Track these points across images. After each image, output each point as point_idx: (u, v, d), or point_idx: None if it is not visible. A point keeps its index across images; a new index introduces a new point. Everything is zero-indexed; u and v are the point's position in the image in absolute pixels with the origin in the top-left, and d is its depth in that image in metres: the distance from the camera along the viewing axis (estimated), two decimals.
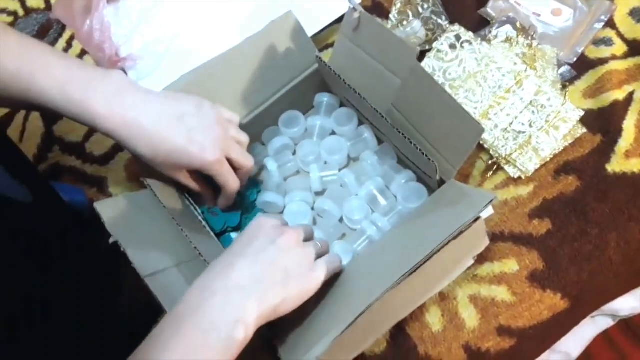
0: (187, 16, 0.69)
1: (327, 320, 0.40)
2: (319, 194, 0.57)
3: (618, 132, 0.57)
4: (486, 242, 0.46)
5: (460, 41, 0.62)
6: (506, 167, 0.57)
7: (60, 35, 0.74)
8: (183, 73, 0.53)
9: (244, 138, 0.51)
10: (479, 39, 0.62)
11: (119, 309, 0.52)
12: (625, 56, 0.61)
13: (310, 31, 0.58)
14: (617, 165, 0.55)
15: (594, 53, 0.62)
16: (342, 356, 0.43)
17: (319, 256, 0.41)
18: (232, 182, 0.49)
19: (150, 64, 0.66)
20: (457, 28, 0.63)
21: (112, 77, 0.43)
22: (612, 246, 0.52)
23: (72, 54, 0.72)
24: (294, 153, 0.59)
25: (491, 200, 0.40)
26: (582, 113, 0.57)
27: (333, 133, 0.59)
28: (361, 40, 0.52)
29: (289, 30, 0.54)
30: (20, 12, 0.77)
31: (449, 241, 0.40)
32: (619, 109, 0.58)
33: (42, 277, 0.42)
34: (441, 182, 0.48)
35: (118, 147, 0.64)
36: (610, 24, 0.64)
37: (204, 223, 0.50)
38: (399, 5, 0.67)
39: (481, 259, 0.52)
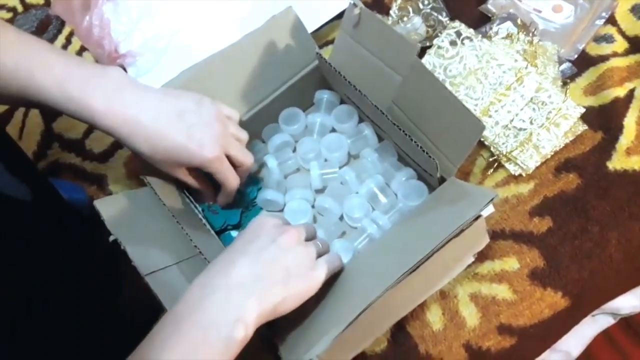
0: (186, 12, 0.68)
1: (327, 318, 0.40)
2: (319, 191, 0.57)
3: (619, 129, 0.57)
4: (486, 239, 0.46)
5: (461, 38, 0.62)
6: (507, 165, 0.57)
7: (59, 31, 0.73)
8: (183, 69, 0.53)
9: (244, 135, 0.50)
10: (480, 35, 0.62)
11: (119, 307, 0.52)
12: (626, 53, 0.61)
13: (311, 27, 0.58)
14: (618, 162, 0.55)
15: (595, 50, 0.62)
16: (343, 355, 0.43)
17: (319, 256, 0.41)
18: (231, 180, 0.49)
19: (150, 60, 0.66)
20: (458, 24, 0.62)
21: (111, 74, 0.43)
22: (612, 244, 0.52)
23: (71, 50, 0.72)
24: (294, 150, 0.59)
25: (492, 199, 0.40)
26: (583, 110, 0.57)
27: (333, 130, 0.59)
28: (361, 37, 0.51)
29: (288, 26, 0.54)
30: (19, 8, 0.77)
31: (450, 239, 0.40)
32: (620, 106, 0.58)
33: (41, 275, 0.42)
34: (442, 180, 0.48)
35: (118, 145, 0.63)
36: (612, 20, 0.63)
37: (204, 221, 0.50)
38: (399, 1, 0.67)
39: (482, 257, 0.52)
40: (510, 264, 0.52)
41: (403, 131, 0.47)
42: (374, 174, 0.55)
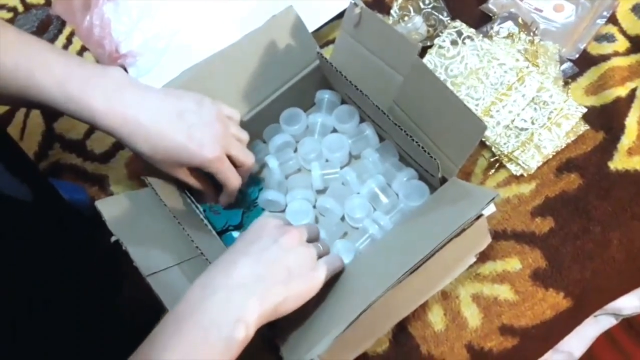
0: (187, 12, 0.68)
1: (328, 319, 0.40)
2: (320, 192, 0.56)
3: (620, 129, 0.57)
4: (488, 239, 0.46)
5: (462, 37, 0.61)
6: (508, 165, 0.56)
7: (60, 31, 0.73)
8: (183, 69, 0.53)
9: (244, 136, 0.50)
10: (481, 35, 0.62)
11: (119, 308, 0.52)
12: (628, 52, 0.61)
13: (311, 27, 0.58)
14: (619, 162, 0.55)
15: (596, 49, 0.62)
16: (344, 355, 0.43)
17: (319, 257, 0.41)
18: (233, 180, 0.48)
19: (150, 60, 0.66)
20: (459, 24, 0.62)
21: (111, 74, 0.43)
22: (614, 244, 0.52)
23: (72, 50, 0.71)
24: (295, 150, 0.59)
25: (493, 198, 0.40)
26: (585, 110, 0.57)
27: (334, 130, 0.59)
28: (362, 37, 0.51)
29: (289, 26, 0.54)
30: (20, 8, 0.77)
31: (451, 239, 0.40)
32: (622, 106, 0.58)
33: (41, 276, 0.42)
34: (443, 180, 0.48)
35: (119, 145, 0.63)
36: (613, 20, 0.63)
37: (205, 221, 0.50)
38: (400, 0, 0.67)
39: (483, 257, 0.52)
40: (512, 264, 0.52)
41: (404, 131, 0.47)
42: (375, 174, 0.54)
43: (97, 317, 0.48)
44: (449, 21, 0.64)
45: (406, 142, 0.48)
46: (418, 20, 0.64)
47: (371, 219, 0.52)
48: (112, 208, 0.44)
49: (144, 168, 0.49)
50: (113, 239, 0.42)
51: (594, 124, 0.57)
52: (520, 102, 0.57)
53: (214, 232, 0.50)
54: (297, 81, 0.57)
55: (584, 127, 0.57)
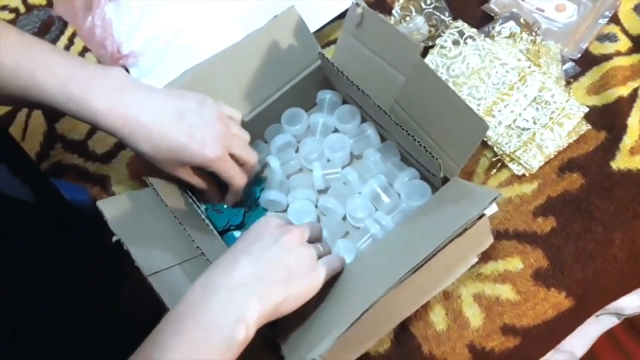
0: (188, 12, 0.68)
1: (330, 319, 0.39)
2: (322, 191, 0.56)
3: (623, 128, 0.57)
4: (490, 239, 0.46)
5: (464, 37, 0.61)
6: (510, 165, 0.56)
7: (61, 32, 0.73)
8: (184, 70, 0.53)
9: (246, 136, 0.50)
10: (483, 35, 0.62)
11: (120, 307, 0.52)
12: (630, 52, 0.61)
13: (313, 27, 0.58)
14: (621, 162, 0.55)
15: (598, 49, 0.62)
16: (346, 355, 0.43)
17: (320, 257, 0.41)
18: (237, 178, 0.48)
19: (152, 60, 0.66)
20: (461, 24, 0.62)
21: (112, 74, 0.43)
22: (616, 244, 0.52)
23: (74, 51, 0.72)
24: (297, 151, 0.59)
25: (495, 198, 0.40)
26: (587, 109, 0.57)
27: (336, 130, 0.59)
28: (364, 37, 0.51)
29: (291, 26, 0.54)
30: (22, 9, 0.77)
31: (453, 239, 0.40)
32: (624, 106, 0.58)
33: (43, 276, 0.42)
34: (445, 180, 0.48)
35: (120, 145, 0.63)
36: (615, 19, 0.63)
37: (207, 221, 0.50)
38: (401, 1, 0.67)
39: (485, 257, 0.52)
40: (514, 264, 0.52)
41: (406, 131, 0.47)
42: (377, 174, 0.54)
43: (98, 317, 0.48)
44: (450, 21, 0.64)
45: (408, 142, 0.48)
46: (420, 20, 0.64)
47: (373, 219, 0.52)
48: (113, 208, 0.45)
49: (145, 168, 0.49)
50: (114, 238, 0.42)
51: (596, 124, 0.57)
52: (522, 102, 0.57)
53: (215, 232, 0.50)
54: (299, 81, 0.56)
55: (586, 127, 0.57)
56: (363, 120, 0.58)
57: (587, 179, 0.55)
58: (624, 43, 0.62)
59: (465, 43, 0.61)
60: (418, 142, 0.46)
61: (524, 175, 0.56)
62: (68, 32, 0.73)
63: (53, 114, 0.67)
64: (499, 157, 0.57)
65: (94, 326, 0.46)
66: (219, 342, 0.34)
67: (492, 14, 0.65)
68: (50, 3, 0.76)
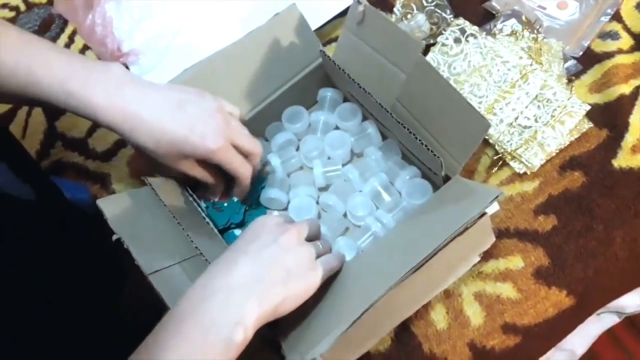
0: (189, 12, 0.68)
1: (331, 317, 0.39)
2: (322, 189, 0.56)
3: (624, 126, 0.56)
4: (492, 239, 0.46)
5: (465, 35, 0.61)
6: (511, 163, 0.56)
7: (62, 30, 0.73)
8: (185, 68, 0.53)
9: (245, 132, 0.50)
10: (484, 32, 0.61)
11: (120, 307, 0.52)
12: (632, 50, 0.61)
13: (314, 25, 0.58)
14: (623, 160, 0.55)
15: (600, 47, 0.61)
16: (347, 355, 0.43)
17: (319, 256, 0.41)
18: (242, 169, 0.48)
19: (152, 59, 0.66)
20: (462, 22, 0.62)
21: (112, 70, 0.43)
22: (618, 242, 0.52)
23: (74, 49, 0.71)
24: (298, 149, 0.59)
25: (497, 196, 0.40)
26: (588, 107, 0.56)
27: (337, 128, 0.59)
28: (365, 34, 0.51)
29: (292, 24, 0.54)
30: (22, 7, 0.77)
31: (454, 238, 0.40)
32: (626, 104, 0.57)
33: (43, 275, 0.42)
34: (446, 178, 0.48)
35: (121, 143, 0.63)
36: (617, 17, 0.63)
37: (207, 220, 0.50)
38: None
39: (486, 255, 0.52)
40: (515, 262, 0.52)
41: (407, 129, 0.47)
42: (378, 172, 0.54)
43: (98, 317, 0.48)
44: (452, 19, 0.64)
45: (409, 140, 0.48)
46: (421, 18, 0.64)
47: (374, 217, 0.52)
48: (113, 206, 0.44)
49: (147, 164, 0.49)
50: (114, 237, 0.42)
51: (598, 122, 0.57)
52: (524, 100, 0.57)
53: (215, 230, 0.50)
54: (300, 79, 0.56)
55: (587, 125, 0.57)
56: (364, 118, 0.58)
57: (589, 177, 0.54)
58: (626, 41, 0.61)
59: (467, 41, 0.61)
60: (419, 140, 0.46)
61: (525, 173, 0.56)
62: (68, 30, 0.73)
63: (53, 112, 0.67)
64: (500, 155, 0.57)
65: (94, 326, 0.46)
66: (218, 344, 0.34)
67: (494, 12, 0.65)
68: (51, 1, 0.76)
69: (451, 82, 0.59)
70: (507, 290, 0.51)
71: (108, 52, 0.66)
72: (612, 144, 0.56)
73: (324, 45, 0.65)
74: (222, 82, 0.53)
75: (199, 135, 0.44)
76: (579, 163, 0.55)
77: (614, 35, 0.62)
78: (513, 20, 0.62)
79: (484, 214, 0.42)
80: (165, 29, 0.67)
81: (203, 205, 0.54)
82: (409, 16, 0.65)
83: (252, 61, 0.53)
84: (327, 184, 0.56)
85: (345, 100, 0.60)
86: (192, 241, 0.44)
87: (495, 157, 0.57)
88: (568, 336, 0.52)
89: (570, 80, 0.60)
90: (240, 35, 0.53)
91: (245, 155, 0.48)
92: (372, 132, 0.56)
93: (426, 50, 0.62)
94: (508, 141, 0.56)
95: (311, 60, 0.56)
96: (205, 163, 0.47)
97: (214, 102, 0.46)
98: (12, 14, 0.76)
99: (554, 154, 0.56)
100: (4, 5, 0.77)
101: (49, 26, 0.74)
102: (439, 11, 0.65)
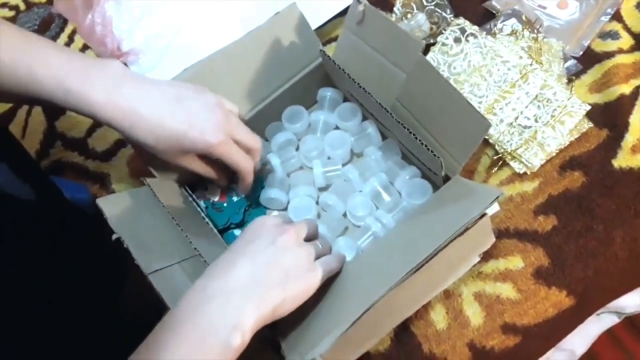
0: (189, 11, 0.68)
1: (331, 318, 0.39)
2: (322, 189, 0.56)
3: (624, 126, 0.56)
4: (492, 239, 0.46)
5: (465, 35, 0.61)
6: (511, 163, 0.56)
7: (62, 29, 0.73)
8: (185, 68, 0.53)
9: (244, 127, 0.50)
10: (484, 32, 0.61)
11: (120, 307, 0.52)
12: (632, 50, 0.61)
13: (314, 24, 0.58)
14: (623, 160, 0.55)
15: (601, 46, 0.61)
16: (347, 355, 0.43)
17: (318, 256, 0.41)
18: (243, 162, 0.48)
19: (152, 58, 0.66)
20: (462, 21, 0.62)
21: (110, 67, 0.43)
22: (618, 242, 0.52)
23: (74, 48, 0.71)
24: (297, 148, 0.59)
25: (497, 197, 0.40)
26: (588, 107, 0.56)
27: (337, 128, 0.59)
28: (365, 34, 0.51)
29: (292, 23, 0.54)
30: (22, 7, 0.77)
31: (455, 238, 0.40)
32: (626, 103, 0.57)
33: (43, 275, 0.42)
34: (446, 178, 0.48)
35: (120, 143, 0.63)
36: (617, 17, 0.63)
37: (206, 220, 0.49)
38: None
39: (486, 255, 0.52)
40: (515, 262, 0.52)
41: (407, 129, 0.47)
42: (378, 172, 0.54)
43: (98, 317, 0.48)
44: (452, 18, 0.64)
45: (409, 140, 0.48)
46: (421, 17, 0.64)
47: (374, 217, 0.52)
48: (113, 206, 0.44)
49: (147, 160, 0.49)
50: (114, 236, 0.42)
51: (598, 122, 0.57)
52: (524, 100, 0.57)
53: (215, 231, 0.50)
54: (300, 79, 0.56)
55: (587, 125, 0.57)
56: (364, 118, 0.58)
57: (589, 177, 0.54)
58: (626, 40, 0.61)
59: (467, 40, 0.61)
60: (419, 140, 0.46)
61: (525, 173, 0.56)
62: (68, 29, 0.73)
63: (53, 112, 0.67)
64: (500, 155, 0.57)
65: (94, 326, 0.46)
66: (215, 347, 0.34)
67: (494, 11, 0.65)
68: (51, 1, 0.76)
69: (451, 81, 0.59)
70: (507, 290, 0.51)
71: (108, 52, 0.66)
72: (612, 144, 0.56)
73: (324, 44, 0.65)
74: (222, 82, 0.53)
75: (198, 130, 0.44)
76: (579, 163, 0.55)
77: (614, 35, 0.62)
78: (513, 20, 0.62)
79: (484, 214, 0.42)
80: (165, 28, 0.67)
81: (202, 205, 0.54)
82: (409, 16, 0.65)
83: (252, 60, 0.53)
84: (327, 184, 0.56)
85: (345, 100, 0.60)
86: (190, 242, 0.44)
87: (495, 157, 0.57)
88: (568, 336, 0.52)
89: (570, 80, 0.60)
90: (240, 35, 0.53)
91: (246, 150, 0.48)
92: (372, 132, 0.56)
93: (426, 49, 0.62)
94: (508, 141, 0.56)
95: (311, 59, 0.56)
96: (207, 159, 0.47)
97: (214, 97, 0.46)
98: (12, 13, 0.76)
99: (554, 154, 0.56)
100: (4, 5, 0.77)
101: (48, 25, 0.74)
102: (439, 11, 0.65)
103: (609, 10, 0.62)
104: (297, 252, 0.39)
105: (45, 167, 0.64)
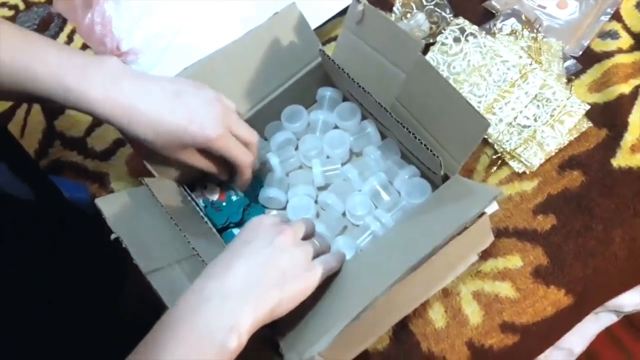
0: (189, 11, 0.68)
1: (329, 316, 0.39)
2: (321, 188, 0.56)
3: (624, 126, 0.56)
4: (491, 238, 0.46)
5: (465, 34, 0.61)
6: (511, 162, 0.56)
7: (61, 29, 0.73)
8: (184, 67, 0.53)
9: (242, 121, 0.50)
10: (484, 32, 0.61)
11: (120, 307, 0.52)
12: (632, 49, 0.61)
13: (314, 24, 0.58)
14: (622, 159, 0.55)
15: (600, 46, 0.61)
16: (345, 353, 0.43)
17: (317, 255, 0.41)
18: (242, 156, 0.47)
19: (152, 58, 0.66)
20: (462, 21, 0.62)
21: (108, 63, 0.42)
22: (617, 242, 0.52)
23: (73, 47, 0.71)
24: (297, 148, 0.59)
25: (496, 196, 0.40)
26: (588, 107, 0.56)
27: (336, 127, 0.59)
28: (365, 33, 0.51)
29: (292, 23, 0.54)
30: (21, 6, 0.77)
31: (453, 237, 0.40)
32: (625, 103, 0.57)
33: (43, 275, 0.42)
34: (445, 178, 0.48)
35: (120, 143, 0.63)
36: (617, 16, 0.63)
37: (205, 219, 0.50)
38: None
39: (485, 254, 0.52)
40: (514, 261, 0.52)
41: (406, 128, 0.47)
42: (377, 172, 0.54)
43: (98, 317, 0.47)
44: (451, 18, 0.64)
45: (408, 140, 0.48)
46: (421, 17, 0.64)
47: (373, 216, 0.52)
48: (112, 205, 0.44)
49: (146, 158, 0.49)
50: (113, 236, 0.42)
51: (597, 121, 0.57)
52: (523, 99, 0.57)
53: (214, 230, 0.50)
54: (299, 78, 0.56)
55: (587, 124, 0.57)
56: (363, 118, 0.58)
57: (588, 177, 0.54)
58: (625, 40, 0.61)
59: (466, 40, 0.61)
60: (419, 139, 0.46)
61: (524, 172, 0.56)
62: (67, 29, 0.73)
63: (52, 111, 0.67)
64: (499, 154, 0.57)
65: (94, 326, 0.46)
66: (212, 349, 0.34)
67: (494, 11, 0.65)
68: (50, 0, 0.75)
69: (451, 81, 0.59)
70: (505, 289, 0.51)
71: (107, 52, 0.66)
72: (612, 143, 0.56)
73: (324, 44, 0.65)
74: (221, 81, 0.53)
75: (198, 124, 0.43)
76: (578, 162, 0.55)
77: (613, 35, 0.62)
78: (513, 20, 0.62)
79: (483, 213, 0.42)
80: (165, 28, 0.67)
81: (201, 204, 0.54)
82: (408, 15, 0.65)
83: (251, 60, 0.53)
84: (326, 183, 0.56)
85: (345, 99, 0.60)
86: (189, 242, 0.44)
87: (494, 157, 0.57)
88: (566, 335, 0.52)
89: (569, 80, 0.60)
90: (240, 35, 0.53)
91: (244, 145, 0.48)
92: (372, 131, 0.56)
93: (426, 49, 0.62)
94: (507, 141, 0.56)
95: (310, 59, 0.56)
96: (206, 153, 0.47)
97: (212, 92, 0.46)
98: (11, 12, 0.76)
99: (553, 154, 0.56)
100: (3, 4, 0.77)
101: (48, 25, 0.74)
102: (438, 10, 0.65)
103: (608, 10, 0.62)
104: (294, 252, 0.39)
105: (44, 167, 0.63)
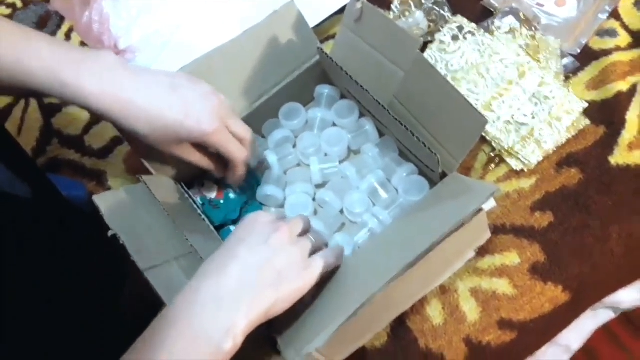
0: (187, 9, 0.68)
1: (327, 313, 0.40)
2: (319, 186, 0.56)
3: (621, 123, 0.57)
4: (488, 234, 0.46)
5: (463, 32, 0.61)
6: (508, 160, 0.56)
7: (59, 27, 0.73)
8: (183, 65, 0.53)
9: (237, 117, 0.50)
10: (482, 30, 0.61)
11: (120, 306, 0.52)
12: (630, 47, 0.61)
13: (312, 22, 0.58)
14: (620, 157, 0.55)
15: (598, 44, 0.62)
16: (343, 349, 0.43)
17: (314, 250, 0.41)
18: (237, 152, 0.47)
19: (150, 56, 0.66)
20: (460, 19, 0.62)
21: (103, 57, 0.42)
22: (614, 239, 0.52)
23: None
24: (294, 145, 0.59)
25: (493, 192, 0.40)
26: (586, 105, 0.57)
27: (334, 125, 0.59)
28: (363, 32, 0.51)
29: (290, 21, 0.54)
30: (19, 4, 0.76)
31: (451, 233, 0.40)
32: (623, 101, 0.57)
33: (42, 274, 0.42)
34: (443, 175, 0.48)
35: (117, 141, 0.63)
36: (615, 15, 0.63)
37: (203, 216, 0.50)
38: None
39: (482, 251, 0.52)
40: (511, 258, 0.52)
41: (404, 126, 0.47)
42: (375, 170, 0.54)
43: (98, 317, 0.47)
44: (450, 16, 0.64)
45: (406, 137, 0.48)
46: (419, 15, 0.64)
47: (370, 214, 0.52)
48: (109, 202, 0.44)
49: (143, 154, 0.48)
50: (110, 233, 0.42)
51: (595, 119, 0.57)
52: (521, 97, 0.57)
53: (211, 227, 0.50)
54: (297, 76, 0.56)
55: (584, 122, 0.57)
56: (361, 116, 0.58)
57: (586, 174, 0.55)
58: (623, 38, 0.61)
59: (465, 38, 0.61)
60: (416, 137, 0.46)
61: (522, 170, 0.56)
62: (65, 27, 0.73)
63: (49, 109, 0.67)
64: (497, 152, 0.57)
65: (94, 326, 0.46)
66: (207, 349, 0.34)
67: (492, 9, 0.65)
68: None
69: (449, 79, 0.59)
70: (503, 286, 0.51)
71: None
72: (609, 140, 0.56)
73: (322, 42, 0.65)
74: (219, 79, 0.53)
75: (195, 119, 0.43)
76: (576, 160, 0.55)
77: (612, 33, 0.62)
78: (511, 18, 0.62)
79: (480, 209, 0.42)
80: (163, 26, 0.67)
81: (199, 202, 0.54)
82: (407, 13, 0.65)
83: (249, 58, 0.53)
84: (324, 180, 0.56)
85: (343, 97, 0.60)
86: (187, 239, 0.44)
87: (492, 154, 0.57)
88: (563, 331, 0.52)
89: (567, 78, 0.60)
90: (238, 33, 0.53)
91: (239, 141, 0.48)
92: (370, 129, 0.56)
93: (424, 47, 0.62)
94: (505, 138, 0.56)
95: (309, 57, 0.56)
96: (202, 148, 0.47)
97: (208, 87, 0.46)
98: (9, 10, 0.76)
99: (551, 151, 0.56)
100: (1, 3, 0.77)
101: (45, 23, 0.74)
102: (437, 8, 0.65)
103: (606, 8, 0.62)
104: (290, 250, 0.38)
105: (41, 165, 0.63)
